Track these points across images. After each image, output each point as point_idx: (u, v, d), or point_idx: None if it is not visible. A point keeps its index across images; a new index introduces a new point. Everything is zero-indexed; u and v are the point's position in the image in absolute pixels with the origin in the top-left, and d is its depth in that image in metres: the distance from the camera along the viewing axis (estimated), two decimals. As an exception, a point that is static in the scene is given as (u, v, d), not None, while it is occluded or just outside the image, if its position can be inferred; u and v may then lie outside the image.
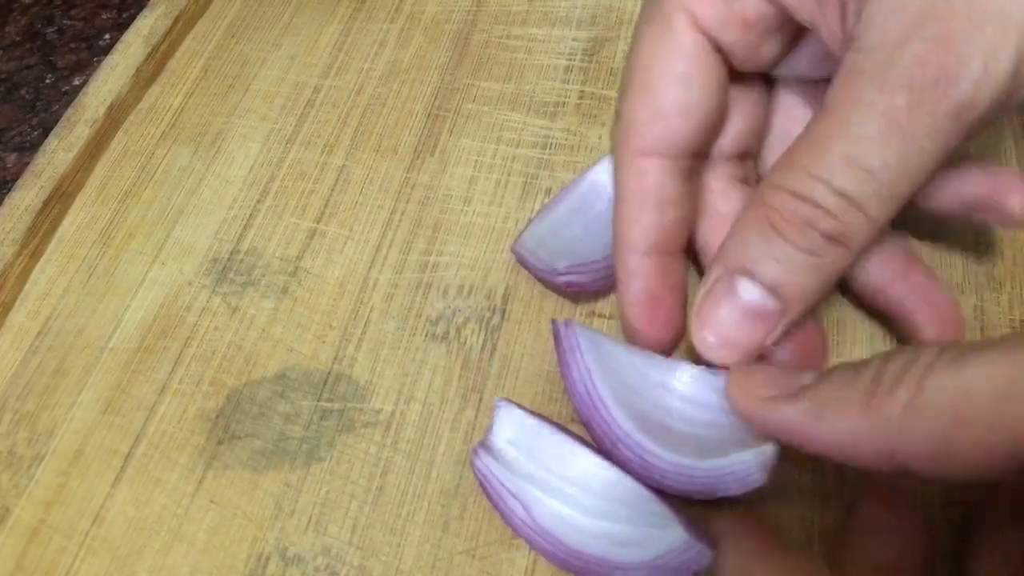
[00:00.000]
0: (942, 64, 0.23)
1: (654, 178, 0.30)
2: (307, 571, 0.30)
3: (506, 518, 0.29)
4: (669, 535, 0.27)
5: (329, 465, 0.33)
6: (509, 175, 0.40)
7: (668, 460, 0.27)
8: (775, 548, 0.26)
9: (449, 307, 0.36)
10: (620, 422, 0.28)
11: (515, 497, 0.29)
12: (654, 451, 0.27)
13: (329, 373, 0.35)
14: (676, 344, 0.32)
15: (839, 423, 0.23)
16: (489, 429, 0.30)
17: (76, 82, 0.50)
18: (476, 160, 0.40)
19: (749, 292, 0.26)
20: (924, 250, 0.35)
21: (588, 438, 0.29)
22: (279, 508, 0.32)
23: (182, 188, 0.41)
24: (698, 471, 0.27)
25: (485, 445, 0.30)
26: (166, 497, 0.32)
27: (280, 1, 0.49)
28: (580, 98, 0.42)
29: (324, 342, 0.36)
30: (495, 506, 0.30)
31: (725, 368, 0.27)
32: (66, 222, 0.41)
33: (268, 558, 0.31)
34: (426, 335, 0.35)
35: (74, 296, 0.38)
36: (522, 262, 0.36)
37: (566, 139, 0.40)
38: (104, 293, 0.38)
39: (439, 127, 0.42)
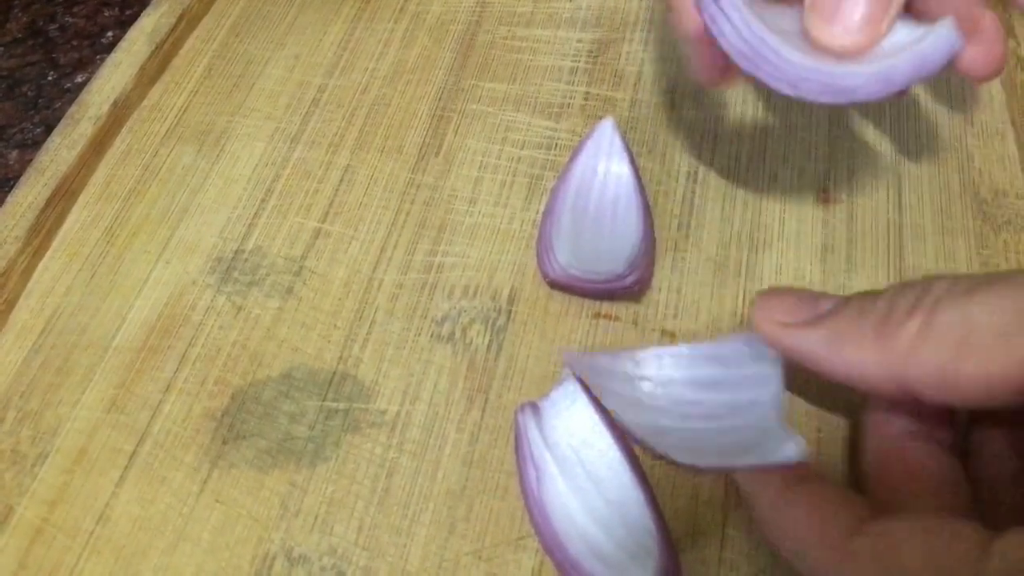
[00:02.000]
0: None
1: None
2: (313, 571, 0.30)
3: (521, 479, 0.30)
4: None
5: (335, 465, 0.32)
6: (514, 176, 0.40)
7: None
8: (808, 478, 0.26)
9: (454, 308, 0.36)
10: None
11: (534, 464, 0.29)
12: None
13: (334, 373, 0.35)
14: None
15: (853, 353, 0.24)
16: (548, 395, 0.31)
17: (78, 79, 0.50)
18: (481, 161, 0.40)
19: None
20: (928, 248, 0.36)
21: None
22: (285, 508, 0.32)
23: (186, 187, 0.41)
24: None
25: (535, 406, 0.30)
26: (171, 496, 0.32)
27: (284, 0, 0.49)
28: (585, 99, 0.42)
29: (329, 342, 0.36)
30: (517, 464, 0.30)
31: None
32: (69, 220, 0.41)
33: (274, 558, 0.31)
34: (431, 336, 0.35)
35: (77, 294, 0.38)
36: (570, 287, 0.35)
37: (571, 140, 0.41)
38: (108, 291, 0.38)
39: (444, 127, 0.42)
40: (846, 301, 0.26)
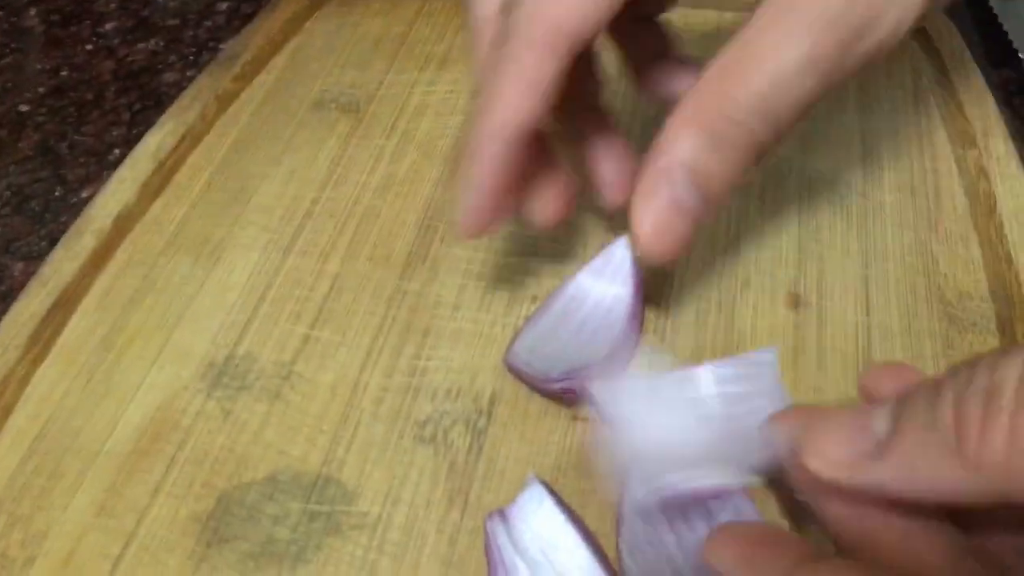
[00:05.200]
0: (869, 7, 0.26)
1: (550, 67, 0.29)
2: (291, 675, 0.30)
3: None
4: None
5: (315, 568, 0.33)
6: (497, 283, 0.41)
7: None
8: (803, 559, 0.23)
9: (437, 410, 0.37)
10: None
11: (506, 571, 0.30)
12: None
13: (318, 476, 0.35)
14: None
15: (938, 475, 0.21)
16: (515, 500, 0.31)
17: (84, 194, 0.53)
18: (465, 268, 0.42)
19: (682, 187, 0.28)
20: (896, 348, 0.37)
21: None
22: (265, 611, 0.32)
23: (182, 295, 0.43)
24: None
25: (503, 512, 0.31)
26: (154, 600, 0.33)
27: (283, 120, 0.52)
28: (565, 210, 0.44)
29: (314, 445, 0.36)
30: (488, 573, 0.31)
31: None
32: (68, 328, 0.42)
33: (253, 662, 0.31)
34: (414, 437, 0.36)
35: (73, 399, 0.39)
36: (516, 372, 0.37)
37: (553, 248, 0.42)
38: (102, 396, 0.39)
39: (431, 237, 0.44)
40: (902, 412, 0.23)
